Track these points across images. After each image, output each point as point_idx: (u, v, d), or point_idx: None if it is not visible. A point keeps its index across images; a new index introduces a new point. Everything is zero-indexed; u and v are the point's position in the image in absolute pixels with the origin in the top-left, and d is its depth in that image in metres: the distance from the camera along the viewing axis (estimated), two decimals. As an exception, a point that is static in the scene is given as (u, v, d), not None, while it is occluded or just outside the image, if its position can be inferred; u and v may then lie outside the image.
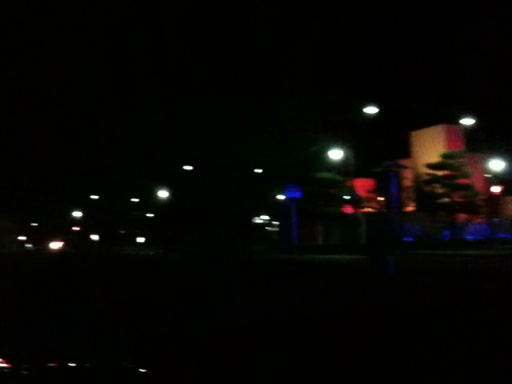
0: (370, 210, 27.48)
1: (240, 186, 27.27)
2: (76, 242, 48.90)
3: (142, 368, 2.78)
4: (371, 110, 23.25)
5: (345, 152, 25.50)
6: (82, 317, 6.54)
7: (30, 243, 55.48)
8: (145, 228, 44.92)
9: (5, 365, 3.21)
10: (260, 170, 28.53)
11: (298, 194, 25.03)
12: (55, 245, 51.45)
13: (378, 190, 27.64)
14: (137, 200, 41.26)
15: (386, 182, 27.25)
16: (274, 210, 29.59)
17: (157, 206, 35.91)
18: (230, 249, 24.61)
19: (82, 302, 7.97)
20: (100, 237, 51.01)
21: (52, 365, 3.36)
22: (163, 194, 35.02)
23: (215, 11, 32.25)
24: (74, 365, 3.23)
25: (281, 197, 28.14)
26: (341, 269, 13.14)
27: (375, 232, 18.69)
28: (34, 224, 53.58)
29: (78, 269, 16.36)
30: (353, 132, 24.10)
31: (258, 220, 34.17)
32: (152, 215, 40.74)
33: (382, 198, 27.73)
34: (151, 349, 4.37)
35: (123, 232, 49.25)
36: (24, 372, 3.08)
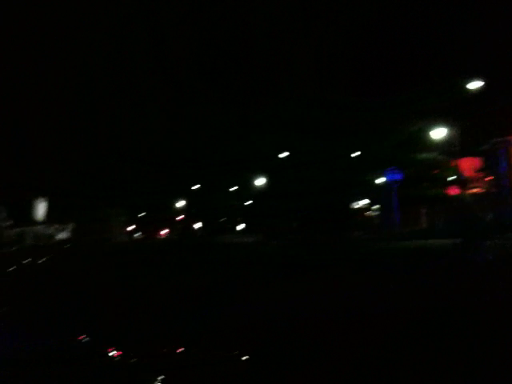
0: (476, 190, 25.96)
1: (339, 171, 26.73)
2: (180, 231, 50.95)
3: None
4: (476, 84, 21.75)
5: (448, 131, 24.18)
6: (204, 304, 6.62)
7: (138, 233, 58.65)
8: (244, 216, 45.82)
9: (115, 352, 3.29)
10: (358, 153, 27.86)
11: (398, 177, 24.13)
12: (161, 233, 54.16)
13: (486, 170, 25.99)
14: (236, 188, 42.17)
15: (495, 161, 25.59)
16: (375, 193, 28.83)
17: (255, 194, 36.37)
18: (330, 236, 24.31)
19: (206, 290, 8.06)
20: (202, 225, 52.77)
21: (164, 351, 3.42)
22: (261, 181, 35.39)
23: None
24: (182, 350, 3.26)
25: (381, 180, 27.37)
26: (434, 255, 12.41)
27: (474, 215, 17.25)
28: (142, 214, 56.53)
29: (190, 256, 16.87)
30: (457, 109, 22.50)
31: (358, 205, 33.50)
32: (251, 203, 41.41)
33: (491, 178, 26.08)
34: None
35: (224, 220, 50.56)
36: (134, 360, 3.14)
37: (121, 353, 3.11)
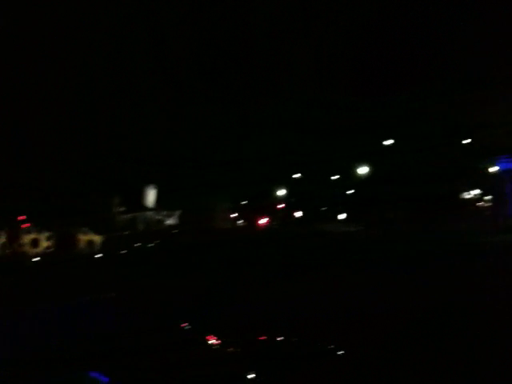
0: None
1: (447, 158, 25.36)
2: (280, 220, 51.26)
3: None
4: None
5: None
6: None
7: (241, 220, 59.93)
8: (345, 205, 45.10)
9: (214, 341, 3.34)
10: (469, 141, 26.35)
11: (513, 166, 22.58)
12: (262, 221, 54.81)
13: None
14: (337, 177, 41.56)
15: None
16: (487, 183, 27.14)
17: (357, 182, 35.59)
18: (436, 226, 23.22)
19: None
20: (303, 214, 52.70)
21: (261, 339, 3.42)
22: (363, 170, 34.57)
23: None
24: (281, 339, 3.25)
25: (494, 169, 25.74)
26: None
27: None
28: (244, 202, 57.64)
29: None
30: None
31: (469, 195, 31.71)
32: (352, 192, 40.64)
33: None
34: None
35: (324, 209, 50.10)
36: (233, 349, 3.17)
37: (220, 341, 3.15)
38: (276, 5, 29.90)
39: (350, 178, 38.04)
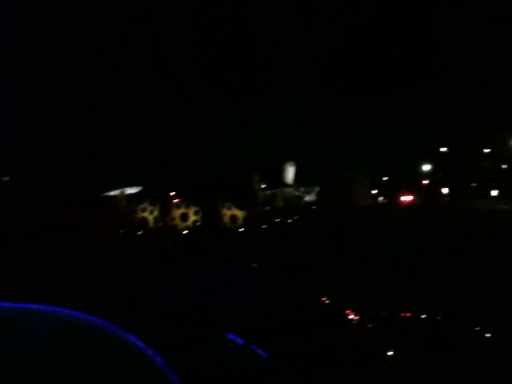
0: None
1: None
2: (425, 197, 49.00)
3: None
4: None
5: None
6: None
7: (381, 197, 58.32)
8: (498, 180, 41.76)
9: (353, 316, 3.29)
10: None
11: None
12: (405, 198, 52.80)
13: None
14: (489, 150, 38.57)
15: None
16: None
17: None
18: None
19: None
20: (449, 191, 49.84)
21: (404, 315, 3.30)
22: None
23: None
24: (424, 316, 3.10)
25: None
26: None
27: None
28: (385, 178, 55.91)
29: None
30: None
31: None
32: (506, 166, 37.48)
33: None
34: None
35: (474, 185, 46.87)
36: (372, 323, 3.09)
37: (358, 317, 3.09)
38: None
39: (504, 151, 35.10)
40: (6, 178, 21.19)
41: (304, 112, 25.54)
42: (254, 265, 7.37)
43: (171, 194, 24.68)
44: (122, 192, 24.03)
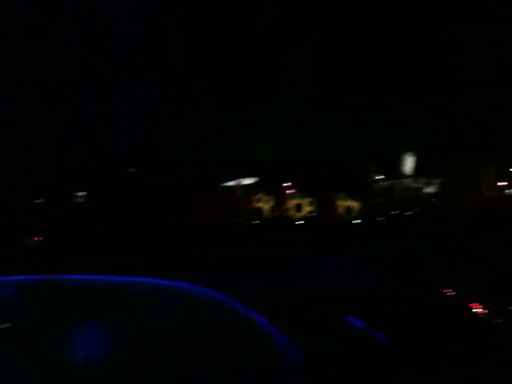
0: None
1: None
2: None
3: None
4: None
5: None
6: None
7: (509, 189, 54.39)
8: None
9: (480, 309, 3.09)
10: None
11: None
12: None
13: None
14: None
15: None
16: None
17: None
18: None
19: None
20: None
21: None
22: None
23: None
24: None
25: None
26: None
27: None
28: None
29: None
30: None
31: None
32: None
33: None
34: None
35: None
36: (499, 319, 2.89)
37: (486, 311, 2.91)
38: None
39: None
40: (133, 169, 22.78)
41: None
42: (370, 253, 7.25)
43: (286, 184, 24.99)
44: (238, 182, 24.76)
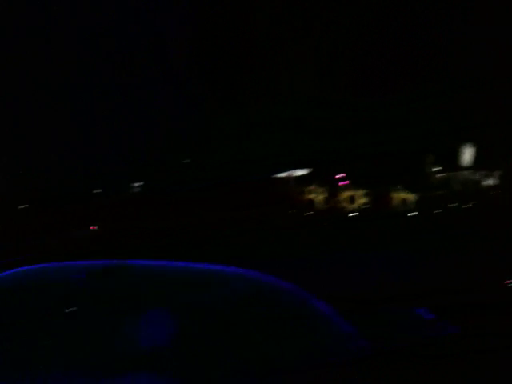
0: None
1: None
2: None
3: None
4: None
5: None
6: None
7: None
8: None
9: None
10: None
11: None
12: None
13: None
14: None
15: None
16: None
17: None
18: None
19: None
20: None
21: None
22: None
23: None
24: None
25: None
26: None
27: None
28: None
29: None
30: None
31: None
32: None
33: None
34: None
35: None
36: None
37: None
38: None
39: None
40: (187, 160, 23.39)
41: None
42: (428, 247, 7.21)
43: (339, 176, 24.86)
44: (290, 174, 24.80)
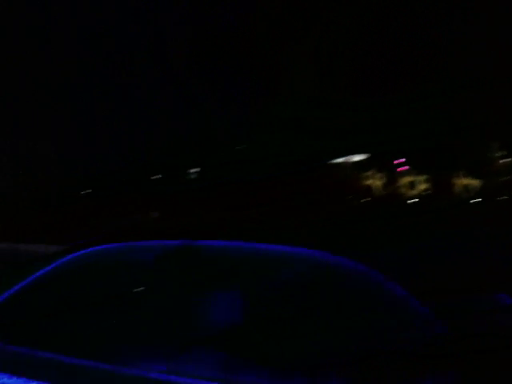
0: None
1: None
2: None
3: None
4: None
5: None
6: None
7: None
8: None
9: None
10: None
11: None
12: None
13: None
14: None
15: None
16: None
17: None
18: None
19: None
20: None
21: None
22: None
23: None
24: None
25: None
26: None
27: None
28: None
29: None
30: None
31: None
32: None
33: None
34: None
35: None
36: None
37: None
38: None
39: None
40: (243, 147, 23.53)
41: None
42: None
43: (398, 161, 23.87)
44: (348, 159, 23.97)
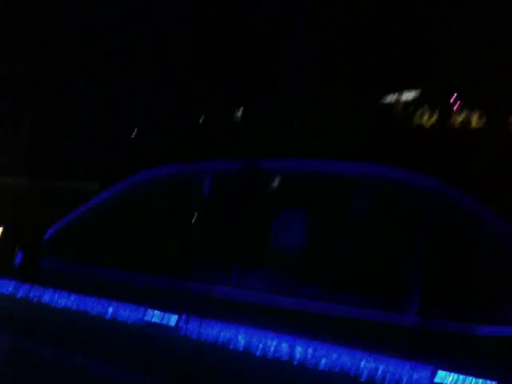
0: None
1: None
2: None
3: None
4: None
5: None
6: None
7: None
8: None
9: None
10: None
11: None
12: None
13: None
14: None
15: None
16: None
17: None
18: None
19: None
20: None
21: None
22: None
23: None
24: None
25: None
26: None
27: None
28: None
29: None
30: None
31: None
32: None
33: None
34: None
35: None
36: None
37: None
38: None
39: None
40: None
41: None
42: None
43: (452, 98, 23.13)
44: (399, 96, 23.48)
